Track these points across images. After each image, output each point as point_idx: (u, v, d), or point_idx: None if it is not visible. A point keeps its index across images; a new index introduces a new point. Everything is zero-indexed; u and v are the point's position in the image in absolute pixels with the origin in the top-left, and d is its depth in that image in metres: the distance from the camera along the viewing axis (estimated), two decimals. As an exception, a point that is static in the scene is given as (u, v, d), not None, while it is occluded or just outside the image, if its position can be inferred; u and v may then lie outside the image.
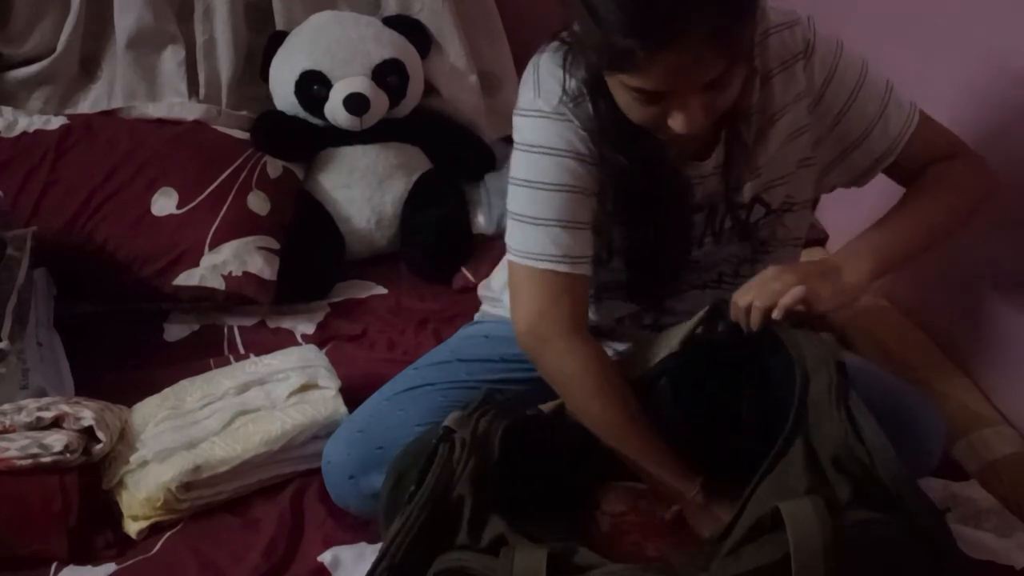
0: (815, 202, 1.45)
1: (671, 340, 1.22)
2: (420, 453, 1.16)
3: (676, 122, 1.12)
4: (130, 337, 1.92)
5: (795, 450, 1.00)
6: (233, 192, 1.97)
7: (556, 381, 1.29)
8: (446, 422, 1.10)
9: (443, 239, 2.10)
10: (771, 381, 1.14)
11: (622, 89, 1.13)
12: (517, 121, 1.29)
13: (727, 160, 1.29)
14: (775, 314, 1.14)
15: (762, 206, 1.35)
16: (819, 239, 2.21)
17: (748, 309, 1.17)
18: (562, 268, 1.26)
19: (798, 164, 1.35)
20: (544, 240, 1.26)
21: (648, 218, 1.29)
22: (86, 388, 1.71)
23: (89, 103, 2.23)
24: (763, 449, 1.04)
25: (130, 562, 1.39)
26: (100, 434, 1.46)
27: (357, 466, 1.39)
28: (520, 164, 1.28)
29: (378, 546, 1.32)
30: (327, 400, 1.53)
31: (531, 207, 1.27)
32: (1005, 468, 1.51)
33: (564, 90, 1.23)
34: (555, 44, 1.25)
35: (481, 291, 1.69)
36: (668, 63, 1.06)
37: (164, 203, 1.94)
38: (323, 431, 1.50)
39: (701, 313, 1.21)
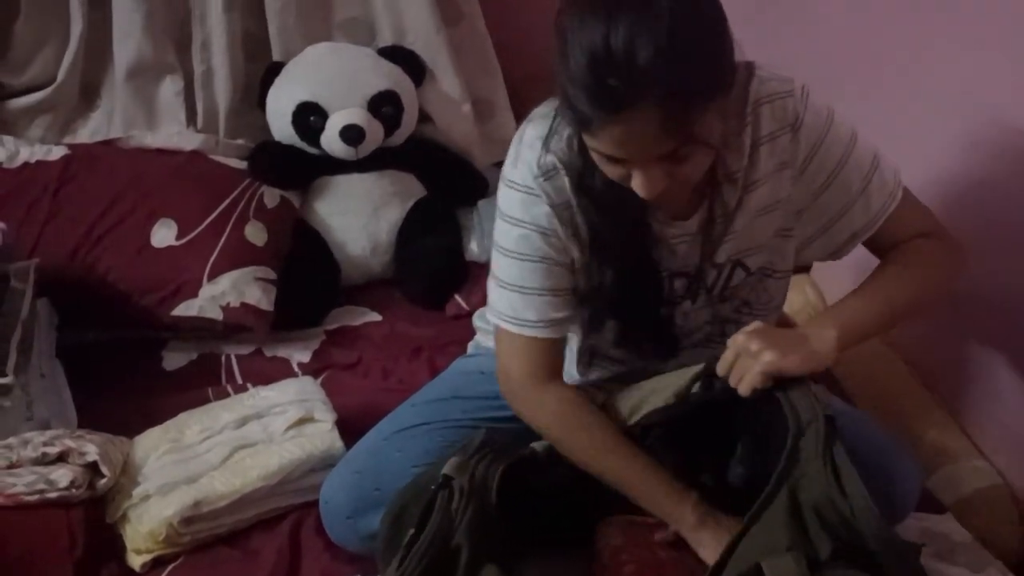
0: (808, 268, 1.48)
1: (664, 391, 1.26)
2: (417, 494, 1.22)
3: (636, 186, 1.16)
4: (129, 365, 1.96)
5: (780, 501, 1.05)
6: (231, 223, 2.02)
7: (543, 424, 1.34)
8: (445, 469, 1.15)
9: (440, 268, 2.15)
10: (763, 428, 1.19)
11: (590, 147, 1.18)
12: (500, 188, 1.35)
13: (707, 221, 1.33)
14: (743, 391, 1.17)
15: (743, 270, 1.39)
16: (804, 266, 2.26)
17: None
18: (543, 334, 1.33)
19: (776, 233, 1.38)
20: (525, 307, 1.33)
21: (625, 277, 1.32)
22: (87, 417, 1.75)
23: (89, 131, 2.28)
24: (751, 493, 1.09)
25: None
26: (104, 469, 1.51)
27: (355, 507, 1.43)
28: (499, 230, 1.35)
29: (373, 579, 1.39)
30: (323, 434, 1.58)
31: (508, 274, 1.34)
32: (979, 502, 1.56)
33: (538, 165, 1.28)
34: (544, 110, 1.30)
35: (476, 321, 1.73)
36: (620, 132, 1.11)
37: (164, 234, 1.99)
38: (320, 464, 1.55)
39: (696, 370, 1.24)
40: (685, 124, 1.10)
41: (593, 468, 1.30)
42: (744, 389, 1.16)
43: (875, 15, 1.93)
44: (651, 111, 1.07)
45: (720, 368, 1.18)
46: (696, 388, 1.22)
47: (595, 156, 1.19)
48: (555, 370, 1.36)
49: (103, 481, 1.51)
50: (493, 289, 1.37)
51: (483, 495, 1.11)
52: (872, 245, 1.40)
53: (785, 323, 2.04)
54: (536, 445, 1.33)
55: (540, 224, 1.30)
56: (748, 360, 1.17)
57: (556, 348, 1.37)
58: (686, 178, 1.18)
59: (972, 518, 1.54)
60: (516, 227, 1.31)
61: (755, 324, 1.23)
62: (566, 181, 1.28)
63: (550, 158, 1.28)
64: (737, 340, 1.20)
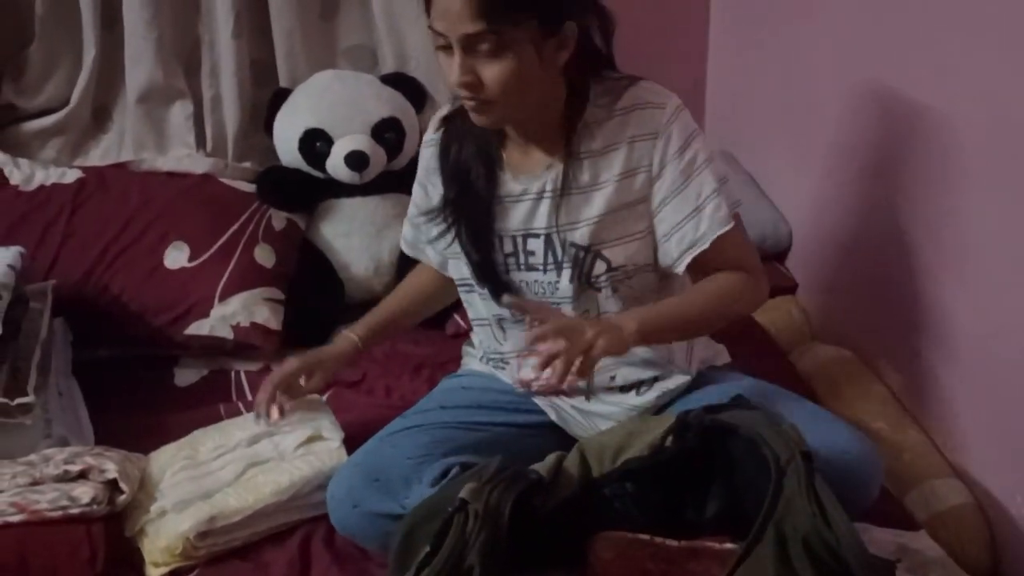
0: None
1: (642, 435, 1.34)
2: (429, 513, 1.30)
3: (449, 70, 1.40)
4: (142, 381, 2.03)
5: (767, 538, 1.13)
6: (241, 246, 2.10)
7: None
8: (462, 494, 1.23)
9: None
10: (734, 468, 1.27)
11: (434, 44, 1.42)
12: None
13: (560, 193, 1.52)
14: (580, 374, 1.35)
15: (603, 262, 1.54)
16: (790, 288, 2.34)
17: (551, 357, 1.34)
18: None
19: (635, 234, 1.53)
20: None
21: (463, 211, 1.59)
22: (102, 432, 1.83)
23: (100, 153, 2.35)
24: (727, 525, 1.17)
25: None
26: (123, 485, 1.58)
27: (359, 495, 1.54)
28: None
29: (379, 591, 1.48)
30: (332, 452, 1.65)
31: None
32: (952, 519, 1.65)
33: (432, 131, 1.66)
34: None
35: (465, 346, 1.86)
36: (443, 5, 1.36)
37: (176, 256, 2.07)
38: (327, 481, 1.62)
39: (670, 423, 1.34)
40: (494, 14, 1.34)
41: None
42: (581, 372, 1.34)
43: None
44: None
45: (540, 363, 1.33)
46: (669, 441, 1.31)
47: (438, 54, 1.43)
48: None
49: (122, 497, 1.58)
50: None
51: (496, 520, 1.19)
52: (697, 265, 1.53)
53: (769, 342, 2.14)
54: (540, 468, 1.41)
55: (421, 168, 1.68)
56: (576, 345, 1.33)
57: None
58: (491, 81, 1.39)
59: (945, 534, 1.62)
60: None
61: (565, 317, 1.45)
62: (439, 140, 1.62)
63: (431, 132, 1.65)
64: (571, 325, 1.38)
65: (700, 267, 1.53)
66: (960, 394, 1.79)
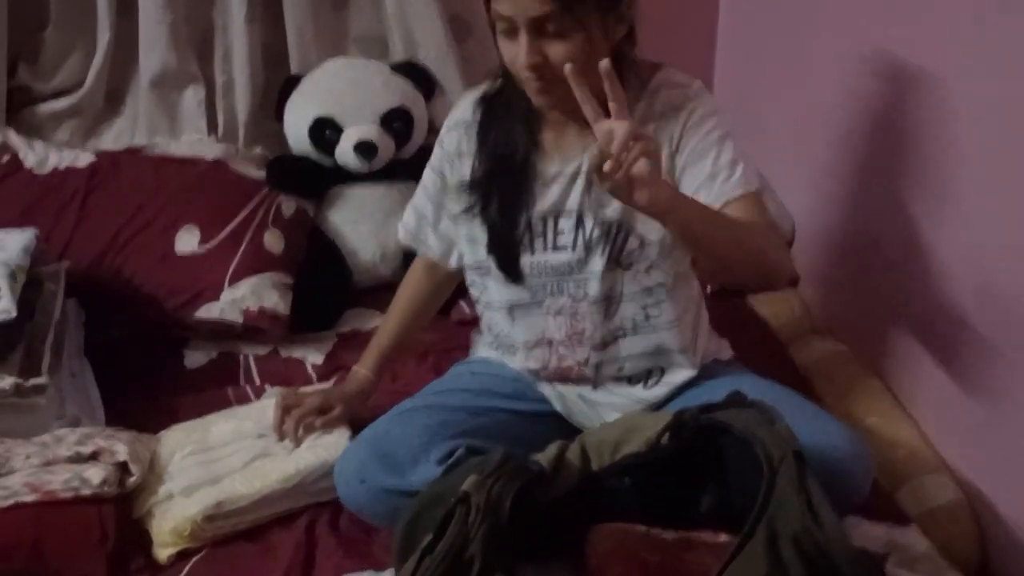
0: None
1: (640, 431, 1.38)
2: (432, 501, 1.34)
3: (518, 53, 1.42)
4: (152, 363, 2.07)
5: (759, 536, 1.16)
6: (251, 231, 2.13)
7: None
8: (464, 486, 1.26)
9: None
10: (731, 467, 1.31)
11: (497, 29, 1.45)
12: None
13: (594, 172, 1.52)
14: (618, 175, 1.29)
15: (636, 238, 1.56)
16: (791, 280, 2.36)
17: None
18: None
19: None
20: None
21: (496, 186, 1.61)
22: (113, 413, 1.87)
23: (113, 136, 2.39)
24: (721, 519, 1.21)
25: None
26: (133, 468, 1.62)
27: (366, 470, 1.58)
28: None
29: (383, 574, 1.51)
30: (339, 444, 1.69)
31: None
32: (942, 515, 1.68)
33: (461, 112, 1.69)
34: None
35: (474, 333, 1.89)
36: None
37: (187, 240, 2.10)
38: (332, 470, 1.66)
39: (667, 421, 1.37)
40: None
41: None
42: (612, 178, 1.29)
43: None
44: None
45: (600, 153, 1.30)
46: (665, 438, 1.34)
47: (501, 41, 1.46)
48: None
49: (132, 479, 1.62)
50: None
51: (497, 512, 1.23)
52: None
53: (769, 335, 2.17)
54: (541, 459, 1.44)
55: (439, 150, 1.70)
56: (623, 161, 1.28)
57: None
58: (559, 60, 1.40)
59: (935, 530, 1.65)
60: (427, 167, 1.73)
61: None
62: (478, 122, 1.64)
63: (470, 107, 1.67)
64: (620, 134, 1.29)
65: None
66: (954, 391, 1.81)
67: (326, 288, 2.22)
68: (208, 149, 2.30)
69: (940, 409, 1.86)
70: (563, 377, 1.69)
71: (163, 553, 1.59)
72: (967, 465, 1.78)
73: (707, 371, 1.68)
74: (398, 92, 2.30)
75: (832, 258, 2.26)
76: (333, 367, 2.07)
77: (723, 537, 1.28)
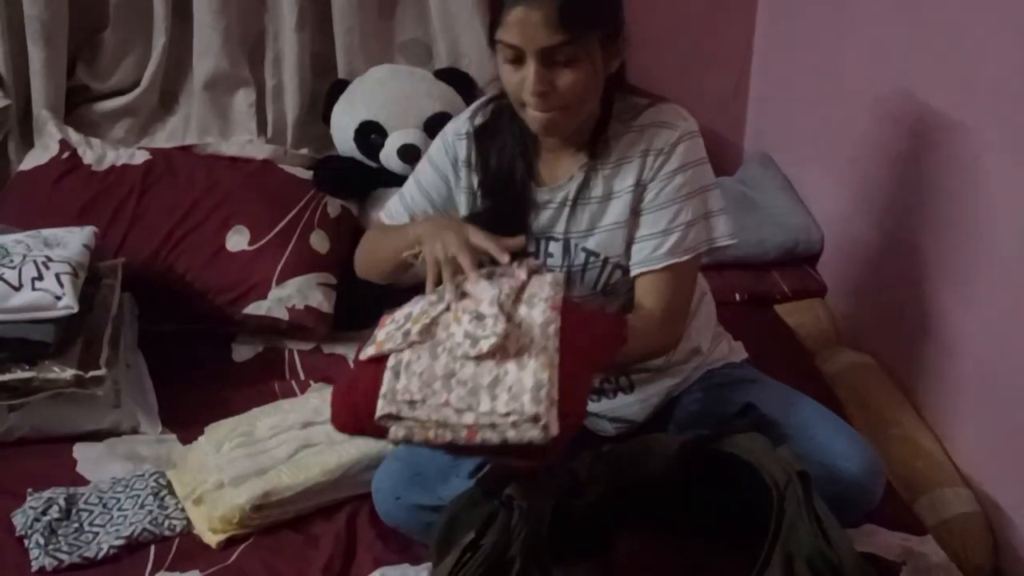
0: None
1: (647, 459, 1.44)
2: (473, 501, 1.41)
3: (525, 82, 1.46)
4: (202, 356, 2.16)
5: (775, 562, 1.22)
6: (298, 232, 2.21)
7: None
8: (508, 490, 1.32)
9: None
10: (743, 489, 1.37)
11: (502, 58, 1.49)
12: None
13: (575, 202, 1.59)
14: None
15: (620, 269, 1.62)
16: (819, 291, 2.42)
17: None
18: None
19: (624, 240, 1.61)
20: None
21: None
22: (165, 403, 1.97)
23: (166, 134, 2.48)
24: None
25: (212, 569, 1.62)
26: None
27: (401, 488, 1.65)
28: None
29: (420, 567, 1.59)
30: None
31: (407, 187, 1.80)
32: (958, 526, 1.73)
33: (461, 124, 1.70)
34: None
35: None
36: (521, 15, 1.42)
37: (237, 240, 2.19)
38: (373, 463, 1.73)
39: (673, 451, 1.42)
40: (574, 25, 1.42)
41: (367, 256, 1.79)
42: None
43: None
44: (549, 3, 1.40)
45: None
46: (676, 466, 1.40)
47: (504, 68, 1.50)
48: None
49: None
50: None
51: (538, 517, 1.29)
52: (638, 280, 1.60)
53: (796, 345, 2.22)
54: (576, 467, 1.50)
55: (434, 159, 1.72)
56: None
57: None
58: (566, 89, 1.46)
59: (951, 541, 1.70)
60: (424, 158, 1.76)
61: None
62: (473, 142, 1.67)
63: (467, 126, 1.69)
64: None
65: (638, 283, 1.60)
66: (975, 405, 1.86)
67: (368, 287, 2.29)
68: (257, 150, 2.39)
69: (961, 422, 1.91)
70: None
71: (213, 539, 1.67)
72: (985, 477, 1.83)
73: (721, 375, 1.73)
74: (441, 98, 2.37)
75: (859, 270, 2.31)
76: (374, 364, 2.14)
77: (742, 550, 1.34)
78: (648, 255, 1.58)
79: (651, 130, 1.57)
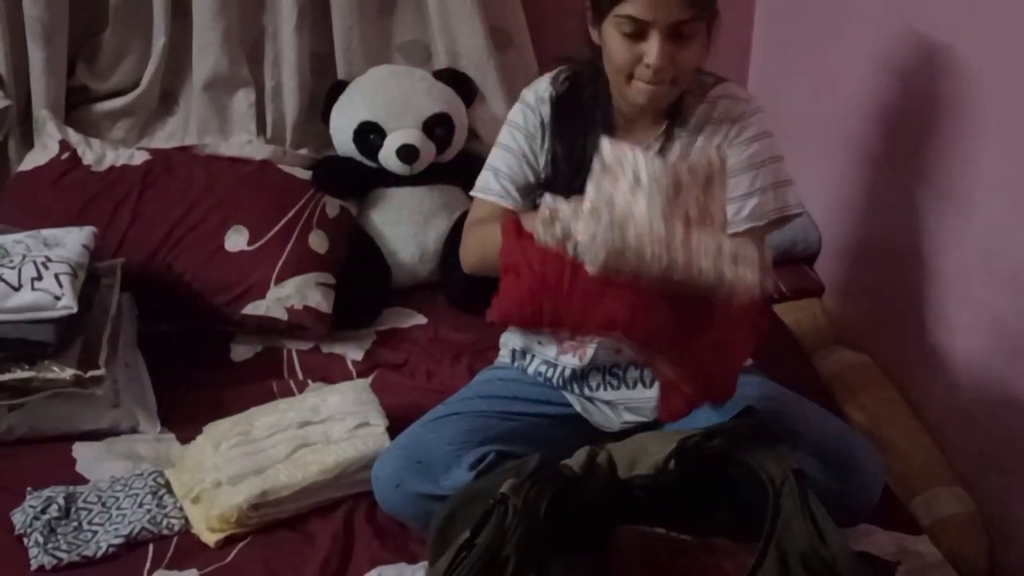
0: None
1: (651, 452, 1.45)
2: (472, 498, 1.42)
3: (649, 55, 1.51)
4: (201, 355, 2.16)
5: (770, 559, 1.23)
6: (296, 232, 2.22)
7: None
8: (503, 489, 1.33)
9: (479, 278, 2.33)
10: (740, 487, 1.38)
11: (616, 30, 1.53)
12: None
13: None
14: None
15: None
16: (817, 291, 2.42)
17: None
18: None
19: None
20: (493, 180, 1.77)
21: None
22: (164, 404, 1.97)
23: (166, 135, 2.48)
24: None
25: (210, 568, 1.62)
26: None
27: (401, 476, 1.66)
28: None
29: (416, 566, 1.60)
30: (376, 436, 1.78)
31: (493, 158, 1.79)
32: (952, 526, 1.74)
33: (536, 93, 1.75)
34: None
35: (503, 339, 1.95)
36: None
37: (236, 239, 2.19)
38: (371, 462, 1.73)
39: (671, 448, 1.42)
40: (700, 0, 1.50)
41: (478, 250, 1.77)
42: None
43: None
44: None
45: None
46: (672, 464, 1.41)
47: (616, 40, 1.53)
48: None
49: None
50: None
51: (533, 516, 1.30)
52: None
53: (793, 344, 2.23)
54: (572, 463, 1.52)
55: (522, 124, 1.74)
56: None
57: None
58: (684, 63, 1.54)
59: (946, 540, 1.71)
60: (507, 127, 1.77)
61: None
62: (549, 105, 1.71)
63: (550, 90, 1.73)
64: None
65: None
66: (971, 405, 1.87)
67: (366, 287, 2.31)
68: (257, 150, 2.39)
69: (957, 422, 1.92)
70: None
71: (211, 538, 1.67)
72: (981, 477, 1.84)
73: None
74: (440, 99, 2.38)
75: (856, 269, 2.32)
76: (372, 364, 2.15)
77: (739, 545, 1.35)
78: (730, 218, 1.57)
79: (724, 101, 1.66)
